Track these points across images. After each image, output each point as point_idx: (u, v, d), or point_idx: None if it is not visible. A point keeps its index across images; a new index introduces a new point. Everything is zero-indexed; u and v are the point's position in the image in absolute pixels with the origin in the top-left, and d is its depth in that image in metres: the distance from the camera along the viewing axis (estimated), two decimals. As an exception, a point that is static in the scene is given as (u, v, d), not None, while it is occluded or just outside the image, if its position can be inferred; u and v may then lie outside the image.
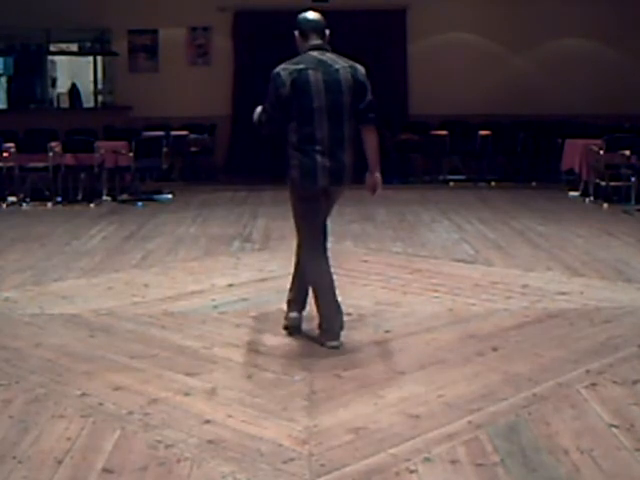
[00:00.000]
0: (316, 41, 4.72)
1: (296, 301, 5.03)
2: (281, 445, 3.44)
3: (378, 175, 4.87)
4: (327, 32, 4.79)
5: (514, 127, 13.28)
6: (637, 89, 13.55)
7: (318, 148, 4.64)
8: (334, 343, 4.73)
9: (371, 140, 4.77)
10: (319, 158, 4.64)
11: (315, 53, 4.69)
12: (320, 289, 4.78)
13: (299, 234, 4.86)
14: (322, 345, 4.74)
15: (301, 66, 4.63)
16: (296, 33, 4.79)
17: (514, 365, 4.43)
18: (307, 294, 4.97)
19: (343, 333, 4.80)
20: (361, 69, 4.75)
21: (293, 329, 5.00)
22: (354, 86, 4.66)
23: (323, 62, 4.65)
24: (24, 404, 3.93)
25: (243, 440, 3.49)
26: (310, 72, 4.60)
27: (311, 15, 4.79)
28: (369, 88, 4.71)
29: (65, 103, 14.37)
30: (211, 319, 5.35)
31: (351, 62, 4.75)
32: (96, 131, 12.18)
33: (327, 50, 4.74)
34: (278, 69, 4.66)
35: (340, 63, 4.69)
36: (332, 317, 4.77)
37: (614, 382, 4.17)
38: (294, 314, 5.02)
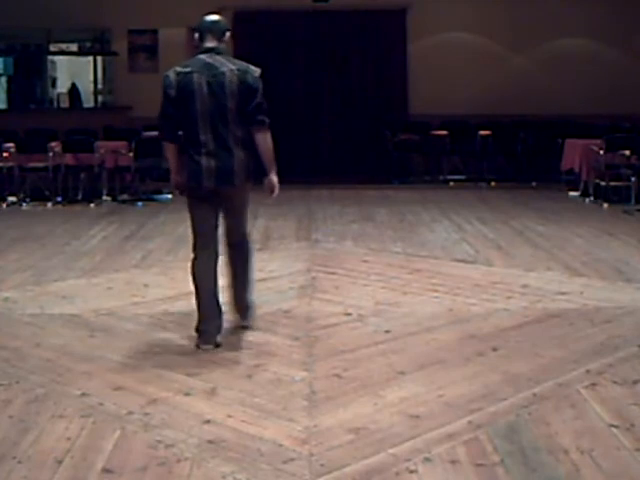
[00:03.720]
0: (210, 43, 4.74)
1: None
2: (281, 445, 3.45)
3: (274, 177, 4.84)
4: (227, 34, 4.79)
5: (514, 127, 13.27)
6: (637, 89, 13.55)
7: (203, 150, 4.66)
8: (207, 346, 4.75)
9: (262, 142, 4.74)
10: (204, 160, 4.66)
11: (204, 56, 4.71)
12: (200, 290, 4.82)
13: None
14: (197, 347, 4.75)
15: (187, 69, 4.68)
16: (195, 35, 4.81)
17: (514, 365, 4.43)
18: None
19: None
20: (253, 72, 4.72)
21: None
22: (241, 89, 4.64)
23: (210, 65, 4.67)
24: (24, 404, 3.93)
25: (243, 440, 3.50)
26: (195, 75, 4.64)
27: (209, 17, 4.83)
28: (259, 91, 4.69)
29: (65, 103, 14.35)
30: (211, 319, 5.35)
31: (243, 65, 4.74)
32: (96, 131, 12.17)
33: (219, 53, 4.73)
34: (168, 71, 4.74)
35: (228, 66, 4.68)
36: (209, 319, 4.80)
37: (614, 382, 4.17)
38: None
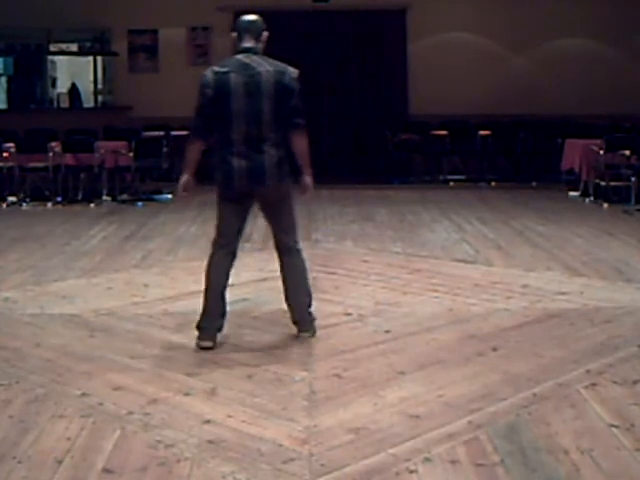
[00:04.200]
0: (247, 43, 4.73)
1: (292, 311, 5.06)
2: (281, 445, 3.44)
3: (307, 178, 4.83)
4: (264, 34, 4.79)
5: (514, 127, 13.27)
6: (637, 89, 13.55)
7: (235, 150, 4.66)
8: (206, 343, 4.74)
9: (297, 144, 4.71)
10: (235, 161, 4.66)
11: (241, 56, 4.72)
12: (209, 287, 4.83)
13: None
14: (197, 345, 4.75)
15: (225, 69, 4.68)
16: (233, 34, 4.80)
17: (514, 365, 4.43)
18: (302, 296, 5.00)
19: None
20: (290, 73, 4.70)
21: None
22: (277, 89, 4.64)
23: (246, 65, 4.66)
24: (24, 404, 3.93)
25: (243, 440, 3.49)
26: (232, 75, 4.64)
27: (247, 17, 4.82)
28: (296, 92, 4.68)
29: (65, 103, 14.36)
30: (211, 319, 5.34)
31: (281, 66, 4.72)
32: (96, 131, 12.17)
33: (256, 53, 4.73)
34: (206, 70, 4.74)
35: (265, 66, 4.67)
36: (211, 317, 4.80)
37: (614, 382, 4.17)
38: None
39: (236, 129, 4.64)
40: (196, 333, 4.81)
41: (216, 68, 4.71)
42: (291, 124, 4.69)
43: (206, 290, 4.83)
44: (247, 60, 4.68)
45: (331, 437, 3.52)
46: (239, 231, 4.85)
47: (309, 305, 4.98)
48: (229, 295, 5.23)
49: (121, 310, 5.61)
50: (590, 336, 4.98)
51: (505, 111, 13.55)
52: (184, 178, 4.86)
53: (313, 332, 4.96)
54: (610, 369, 4.36)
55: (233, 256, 4.86)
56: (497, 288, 6.15)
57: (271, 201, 4.82)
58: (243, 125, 4.63)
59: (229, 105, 4.62)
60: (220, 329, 4.83)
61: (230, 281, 6.45)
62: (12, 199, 11.07)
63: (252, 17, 4.82)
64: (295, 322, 4.99)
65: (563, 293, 5.96)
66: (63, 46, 15.19)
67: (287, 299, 4.98)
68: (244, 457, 3.34)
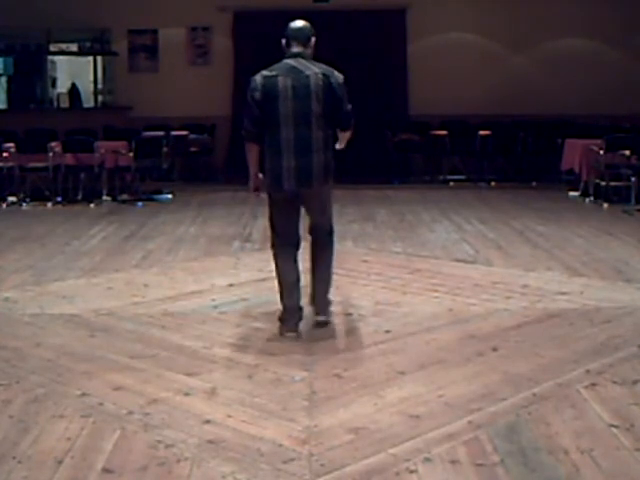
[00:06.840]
0: (296, 49, 4.92)
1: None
2: (281, 445, 3.45)
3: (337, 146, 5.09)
4: (312, 40, 4.98)
5: (514, 127, 13.27)
6: (637, 89, 13.55)
7: (284, 152, 4.81)
8: (291, 334, 4.96)
9: (344, 133, 5.08)
10: (284, 162, 4.81)
11: (289, 60, 4.90)
12: (283, 284, 5.02)
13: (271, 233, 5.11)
14: (281, 334, 4.97)
15: (273, 73, 4.85)
16: (283, 41, 4.99)
17: (514, 365, 4.43)
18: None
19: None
20: (337, 77, 4.87)
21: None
22: (325, 92, 4.80)
23: (294, 69, 4.84)
24: (24, 404, 3.93)
25: (243, 440, 3.49)
26: (280, 79, 4.81)
27: (295, 24, 5.01)
28: (345, 96, 4.88)
29: (65, 103, 14.35)
30: (211, 319, 5.35)
31: (328, 69, 4.89)
32: (96, 131, 12.17)
33: (304, 57, 4.90)
34: (256, 75, 4.90)
35: (312, 69, 4.84)
36: (291, 310, 4.99)
37: (614, 382, 4.17)
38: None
39: (284, 131, 4.79)
40: (278, 324, 5.03)
41: (265, 72, 4.87)
42: (345, 127, 5.04)
43: (280, 287, 5.02)
44: (295, 64, 4.86)
45: (331, 437, 3.52)
46: (296, 225, 5.02)
47: (327, 291, 5.13)
48: (229, 295, 5.24)
49: (121, 310, 5.61)
50: (590, 336, 4.98)
51: (505, 111, 13.55)
52: (251, 180, 5.04)
53: (328, 316, 5.10)
54: (610, 369, 4.36)
55: (296, 248, 5.05)
56: (497, 288, 6.15)
57: (315, 200, 5.00)
58: (291, 127, 4.79)
59: (277, 108, 4.78)
60: (301, 319, 5.02)
61: (230, 281, 6.48)
62: (12, 199, 11.06)
63: (299, 24, 5.00)
64: (315, 305, 5.14)
65: (563, 293, 5.96)
66: (63, 46, 15.19)
67: (313, 282, 5.13)
68: (244, 457, 3.34)
